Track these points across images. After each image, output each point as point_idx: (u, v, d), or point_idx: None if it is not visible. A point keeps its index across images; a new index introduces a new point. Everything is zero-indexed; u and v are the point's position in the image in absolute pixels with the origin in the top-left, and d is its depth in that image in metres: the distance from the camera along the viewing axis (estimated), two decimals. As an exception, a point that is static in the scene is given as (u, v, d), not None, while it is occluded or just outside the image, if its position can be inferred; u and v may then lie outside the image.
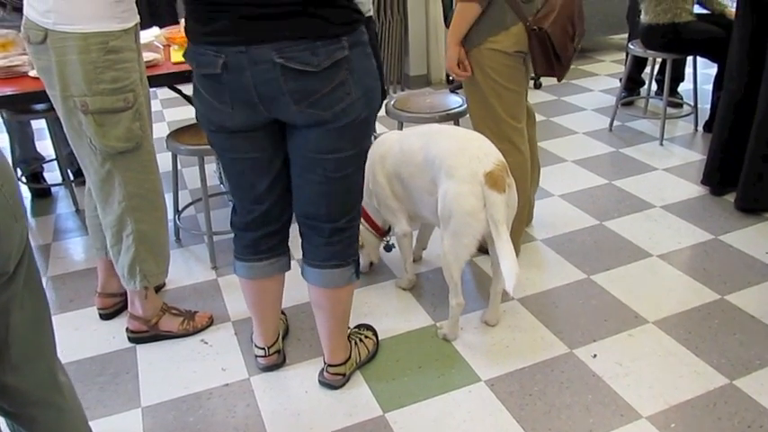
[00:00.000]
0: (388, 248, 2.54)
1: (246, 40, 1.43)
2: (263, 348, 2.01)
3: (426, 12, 4.76)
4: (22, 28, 1.82)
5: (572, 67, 5.10)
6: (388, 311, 2.37)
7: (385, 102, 3.00)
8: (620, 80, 4.22)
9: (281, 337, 2.09)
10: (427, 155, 2.07)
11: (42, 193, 3.44)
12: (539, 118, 4.17)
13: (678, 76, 4.19)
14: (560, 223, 2.93)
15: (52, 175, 3.58)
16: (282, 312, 2.23)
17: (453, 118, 2.81)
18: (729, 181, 3.04)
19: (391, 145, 2.25)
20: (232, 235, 1.89)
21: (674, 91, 4.22)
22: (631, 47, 3.74)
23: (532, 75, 2.51)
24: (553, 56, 2.30)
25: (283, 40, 1.42)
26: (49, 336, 1.21)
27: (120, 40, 1.77)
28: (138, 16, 1.87)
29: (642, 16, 3.55)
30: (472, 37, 2.27)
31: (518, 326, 2.25)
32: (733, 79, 2.92)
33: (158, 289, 2.44)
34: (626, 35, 4.99)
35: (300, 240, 1.83)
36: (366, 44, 1.54)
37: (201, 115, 1.61)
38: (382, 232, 2.47)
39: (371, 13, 2.97)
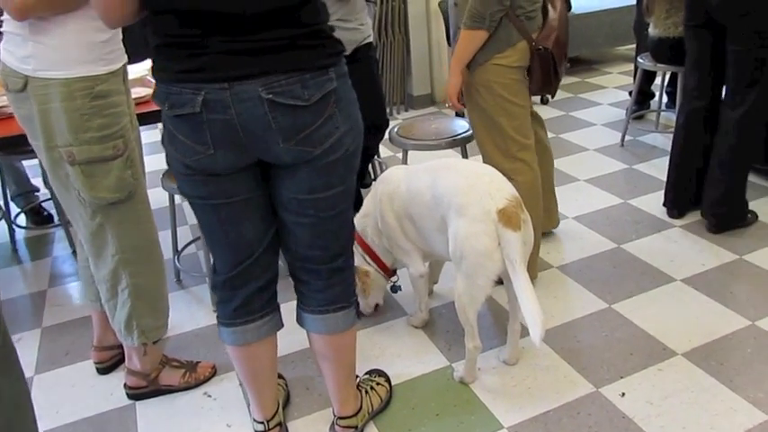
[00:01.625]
0: (395, 290, 2.43)
1: (230, 76, 1.33)
2: (263, 422, 1.83)
3: (428, 31, 4.68)
4: (-1, 75, 1.71)
5: (579, 80, 5.03)
6: (400, 352, 2.25)
7: (388, 129, 2.92)
8: (630, 93, 4.11)
9: (281, 406, 1.91)
10: (435, 193, 1.96)
11: (42, 221, 3.36)
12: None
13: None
14: (577, 248, 2.80)
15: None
16: (281, 376, 2.07)
17: (460, 143, 2.70)
18: (686, 202, 2.94)
19: (398, 183, 2.14)
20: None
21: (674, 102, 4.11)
22: (641, 60, 3.63)
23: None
24: (553, 74, 2.29)
25: (271, 74, 1.33)
26: (29, 423, 1.10)
27: (107, 84, 1.67)
28: (126, 55, 1.78)
29: (651, 29, 3.45)
30: (478, 57, 2.21)
31: (539, 364, 2.12)
32: (687, 102, 2.82)
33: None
34: (632, 46, 4.90)
35: (294, 286, 1.71)
36: (347, 74, 1.47)
37: (175, 160, 1.46)
38: (390, 272, 2.36)
39: (371, 39, 2.90)
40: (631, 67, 4.98)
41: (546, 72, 2.25)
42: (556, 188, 2.83)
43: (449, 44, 4.57)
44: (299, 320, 1.73)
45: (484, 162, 2.39)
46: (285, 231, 1.60)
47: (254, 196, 1.52)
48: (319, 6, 1.38)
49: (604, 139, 3.99)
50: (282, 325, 1.75)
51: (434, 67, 4.81)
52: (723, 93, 2.69)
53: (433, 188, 1.98)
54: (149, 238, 1.88)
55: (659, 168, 3.49)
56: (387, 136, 2.87)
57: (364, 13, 2.79)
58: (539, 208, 2.42)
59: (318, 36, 1.37)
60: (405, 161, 2.80)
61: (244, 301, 1.64)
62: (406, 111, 4.85)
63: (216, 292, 1.67)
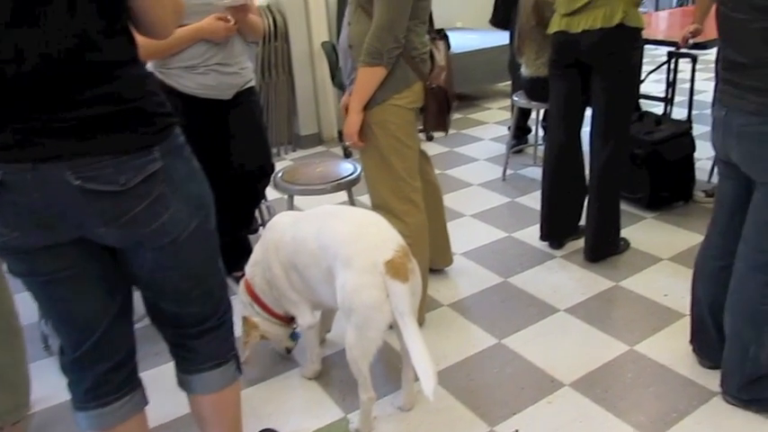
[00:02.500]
0: (294, 337, 2.35)
1: (34, 158, 1.18)
2: None
3: (312, 70, 4.68)
4: None
5: (461, 116, 5.18)
6: (293, 407, 2.16)
7: (273, 174, 2.86)
8: (509, 128, 4.30)
9: None
10: (321, 242, 1.93)
11: None
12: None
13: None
14: (466, 284, 2.85)
15: None
16: None
17: (346, 187, 2.68)
18: (562, 233, 3.11)
19: (283, 232, 2.09)
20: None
21: None
22: (516, 98, 3.81)
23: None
24: (447, 112, 2.38)
25: (81, 157, 1.20)
26: None
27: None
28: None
29: (523, 69, 3.63)
30: (376, 95, 2.23)
31: (435, 407, 2.11)
32: (553, 138, 2.98)
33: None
34: (509, 82, 5.14)
35: (169, 349, 1.59)
36: (183, 146, 1.36)
37: None
38: (287, 320, 2.28)
39: (253, 83, 2.85)
40: (509, 102, 5.22)
41: (441, 109, 2.34)
42: (444, 214, 2.87)
43: (333, 84, 4.59)
44: (178, 382, 1.62)
45: (373, 203, 2.40)
46: (145, 302, 1.49)
47: (87, 269, 1.37)
48: (141, 77, 1.28)
49: (487, 173, 4.14)
50: (147, 402, 1.59)
51: (320, 107, 4.81)
52: (590, 127, 2.85)
53: (318, 237, 1.94)
54: (5, 309, 1.70)
55: (539, 201, 3.64)
56: (272, 183, 2.80)
57: (245, 56, 2.74)
58: (426, 251, 2.44)
59: (139, 114, 1.25)
60: (290, 206, 2.75)
61: (95, 383, 1.47)
62: (294, 151, 4.81)
63: (65, 374, 1.49)
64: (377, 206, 2.36)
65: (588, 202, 2.92)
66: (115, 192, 1.23)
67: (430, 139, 4.83)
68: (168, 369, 1.64)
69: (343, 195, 2.79)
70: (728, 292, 1.95)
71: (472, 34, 5.83)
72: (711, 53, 3.41)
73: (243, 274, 2.31)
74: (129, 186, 1.24)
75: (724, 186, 1.98)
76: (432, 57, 2.32)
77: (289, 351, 2.40)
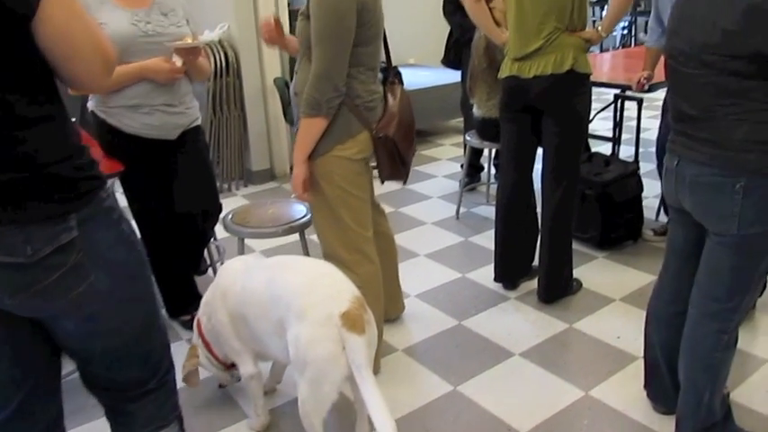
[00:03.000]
0: (239, 379, 2.25)
1: None
2: None
3: (265, 105, 4.63)
4: None
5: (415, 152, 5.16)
6: (241, 464, 2.06)
7: (222, 215, 2.78)
8: (462, 166, 4.31)
9: None
10: (273, 293, 1.85)
11: None
12: (388, 209, 4.13)
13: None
14: (421, 328, 2.80)
15: None
16: None
17: (298, 230, 2.62)
18: (516, 275, 3.11)
19: (234, 280, 2.01)
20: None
21: None
22: (468, 138, 3.83)
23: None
24: (399, 160, 2.30)
25: None
26: None
27: None
28: None
29: (475, 110, 3.66)
30: (319, 146, 2.16)
31: (389, 461, 2.03)
32: (505, 181, 3.00)
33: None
34: (462, 119, 5.18)
35: (104, 412, 1.48)
36: (111, 210, 1.26)
37: None
38: (227, 366, 2.19)
39: (199, 122, 2.78)
40: (462, 138, 5.26)
41: (392, 160, 2.26)
42: (398, 264, 2.84)
43: (286, 120, 4.55)
44: None
45: (324, 252, 2.33)
46: (76, 366, 1.38)
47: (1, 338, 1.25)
48: (63, 135, 1.18)
49: (441, 212, 4.13)
50: None
51: (273, 142, 4.75)
52: (542, 168, 2.86)
53: (270, 288, 1.87)
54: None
55: (492, 240, 3.64)
56: (221, 225, 2.72)
57: (190, 96, 2.68)
58: (380, 301, 2.38)
59: (54, 180, 1.15)
60: (241, 248, 2.66)
61: None
62: (245, 186, 4.72)
63: None
64: (327, 256, 2.30)
65: (541, 243, 2.93)
66: (21, 264, 1.13)
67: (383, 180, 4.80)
68: (105, 424, 1.54)
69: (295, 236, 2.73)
70: (682, 338, 1.95)
71: (425, 71, 5.89)
72: (656, 94, 3.52)
73: (190, 318, 2.23)
74: (38, 258, 1.14)
75: (676, 232, 2.00)
76: (386, 102, 2.27)
77: (221, 386, 2.35)
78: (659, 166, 3.51)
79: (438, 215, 4.08)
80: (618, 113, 3.94)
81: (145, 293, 1.38)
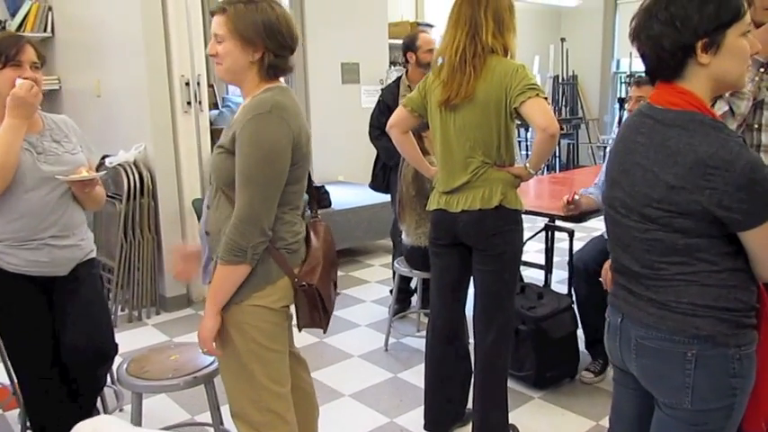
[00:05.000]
0: None
1: None
2: None
3: (182, 228, 4.36)
4: None
5: (343, 274, 4.96)
6: None
7: (116, 365, 2.44)
8: (391, 291, 4.12)
9: None
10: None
11: None
12: (311, 340, 3.85)
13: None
14: (343, 490, 2.47)
15: None
16: None
17: (205, 380, 2.30)
18: (448, 421, 2.87)
19: None
20: None
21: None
22: (397, 265, 3.67)
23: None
24: (321, 310, 2.03)
25: None
26: None
27: None
28: None
29: (404, 237, 3.52)
30: (232, 295, 1.89)
31: None
32: (434, 323, 2.80)
33: None
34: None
35: None
36: None
37: None
38: None
39: (94, 254, 2.49)
40: (391, 258, 5.12)
41: (313, 309, 1.99)
42: (320, 407, 2.52)
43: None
44: None
45: (232, 411, 2.01)
46: None
47: None
48: None
49: (369, 342, 3.87)
50: None
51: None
52: (473, 308, 2.68)
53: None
54: None
55: (422, 376, 3.37)
56: (115, 376, 2.38)
57: (84, 227, 2.42)
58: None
59: None
60: (138, 404, 2.29)
61: None
62: (158, 314, 4.34)
63: None
64: (235, 415, 1.99)
65: (474, 387, 2.70)
66: None
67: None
68: None
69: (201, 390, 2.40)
70: None
71: (354, 189, 5.79)
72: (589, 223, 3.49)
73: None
74: None
75: (621, 397, 1.80)
76: (308, 243, 2.03)
77: None
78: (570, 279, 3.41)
79: (366, 346, 3.82)
80: (548, 242, 3.88)
81: None
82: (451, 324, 2.76)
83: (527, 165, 2.52)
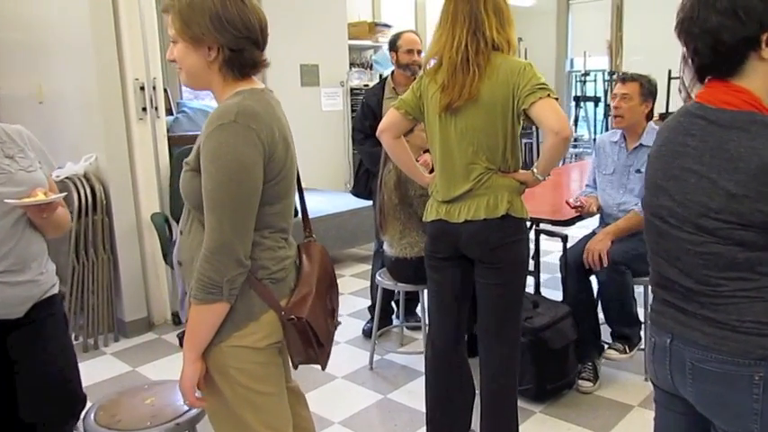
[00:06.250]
0: None
1: None
2: None
3: (140, 245, 4.01)
4: None
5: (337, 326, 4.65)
6: None
7: (84, 411, 2.12)
8: (369, 309, 3.90)
9: None
10: None
11: None
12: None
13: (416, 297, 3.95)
14: None
15: None
16: None
17: (188, 426, 2.02)
18: None
19: None
20: None
21: (412, 313, 4.04)
22: (379, 278, 3.42)
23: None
24: (316, 344, 1.73)
25: None
26: None
27: None
28: None
29: (386, 248, 3.29)
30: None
31: None
32: (435, 343, 2.59)
33: None
34: (364, 245, 4.80)
35: None
36: None
37: None
38: None
39: (56, 290, 2.17)
40: (365, 268, 4.86)
41: (307, 344, 1.69)
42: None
43: (165, 262, 3.94)
44: None
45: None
46: None
47: None
48: None
49: (352, 361, 3.62)
50: None
51: (150, 286, 4.09)
52: (478, 325, 2.48)
53: None
54: None
55: (414, 395, 3.17)
56: (81, 426, 2.07)
57: (43, 258, 2.09)
58: None
59: None
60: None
61: None
62: (117, 341, 3.97)
63: None
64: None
65: (482, 407, 2.50)
66: None
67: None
68: None
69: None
70: None
71: (318, 196, 5.51)
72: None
73: None
74: None
75: (668, 422, 1.62)
76: (299, 271, 1.76)
77: None
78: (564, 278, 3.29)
79: (349, 366, 3.57)
80: (535, 246, 3.72)
81: None
82: (452, 343, 2.55)
83: (534, 170, 2.33)
